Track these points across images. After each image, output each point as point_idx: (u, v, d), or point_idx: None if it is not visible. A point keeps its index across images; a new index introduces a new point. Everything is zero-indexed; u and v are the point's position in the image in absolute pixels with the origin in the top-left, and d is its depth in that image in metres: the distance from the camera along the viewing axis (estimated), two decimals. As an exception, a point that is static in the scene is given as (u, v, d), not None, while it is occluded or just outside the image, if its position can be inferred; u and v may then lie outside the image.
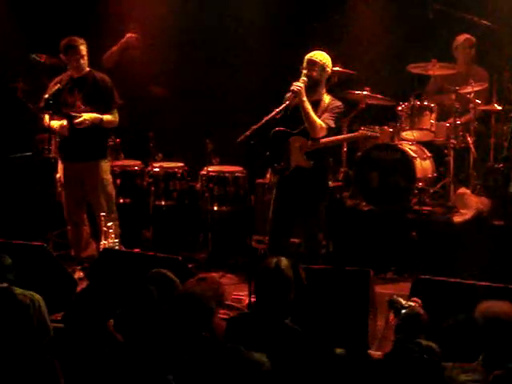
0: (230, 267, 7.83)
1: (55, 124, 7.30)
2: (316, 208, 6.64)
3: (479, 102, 8.21)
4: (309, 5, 9.12)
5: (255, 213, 7.35)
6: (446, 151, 8.22)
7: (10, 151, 8.87)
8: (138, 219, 8.41)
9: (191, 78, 9.38)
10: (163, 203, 8.36)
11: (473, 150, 8.14)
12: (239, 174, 8.22)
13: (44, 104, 7.21)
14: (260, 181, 7.90)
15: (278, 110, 6.50)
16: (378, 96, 8.35)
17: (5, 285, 4.91)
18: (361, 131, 6.87)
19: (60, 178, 7.49)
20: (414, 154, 7.98)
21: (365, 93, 8.25)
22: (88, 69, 7.38)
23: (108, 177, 7.49)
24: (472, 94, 8.16)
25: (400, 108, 8.13)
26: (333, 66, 8.09)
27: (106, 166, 7.48)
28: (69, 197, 7.46)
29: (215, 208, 8.20)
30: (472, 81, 8.16)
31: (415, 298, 4.79)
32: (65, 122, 7.23)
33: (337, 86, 8.21)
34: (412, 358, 3.85)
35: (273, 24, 9.08)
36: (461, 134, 8.16)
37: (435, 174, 8.18)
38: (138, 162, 8.54)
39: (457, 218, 7.79)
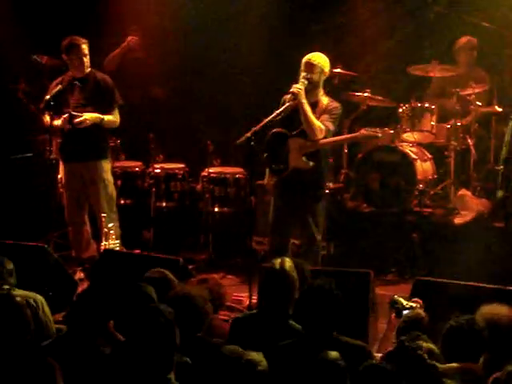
0: (230, 268, 7.83)
1: (55, 122, 7.28)
2: (314, 209, 6.64)
3: (480, 103, 8.22)
4: (310, 7, 9.12)
5: (255, 214, 7.36)
6: (446, 153, 8.22)
7: (10, 152, 8.87)
8: (139, 220, 8.42)
9: (192, 80, 9.38)
10: (164, 204, 8.37)
11: (473, 151, 8.15)
12: (240, 176, 8.23)
13: (45, 105, 7.20)
14: (260, 182, 7.88)
15: (277, 111, 6.51)
16: (379, 98, 8.36)
17: (6, 288, 4.92)
18: (361, 132, 6.87)
19: (61, 178, 7.49)
20: (414, 156, 7.99)
21: (366, 94, 8.25)
22: (89, 69, 7.37)
23: (109, 177, 7.48)
24: (472, 96, 8.17)
25: (401, 110, 8.14)
26: (334, 68, 8.15)
27: (106, 166, 7.47)
28: (70, 197, 7.45)
29: (216, 209, 8.21)
30: (472, 83, 8.16)
31: (416, 299, 4.79)
32: (66, 116, 7.18)
33: (338, 87, 8.23)
34: (412, 360, 3.85)
35: (274, 25, 9.08)
36: (461, 135, 8.16)
37: (436, 176, 8.18)
38: (139, 163, 8.55)
39: (457, 220, 7.80)
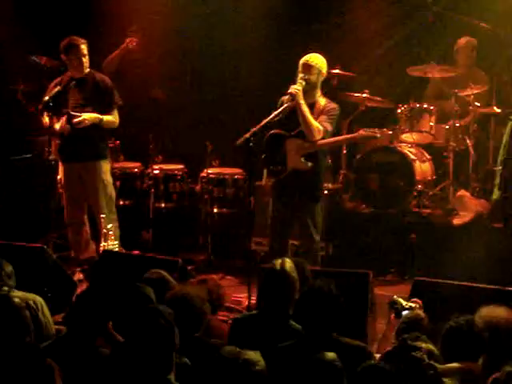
0: (229, 269, 7.84)
1: (57, 126, 7.27)
2: (312, 209, 6.65)
3: (478, 104, 8.23)
4: (309, 7, 9.13)
5: (254, 215, 7.36)
6: (445, 154, 8.23)
7: (10, 153, 8.87)
8: (138, 221, 8.42)
9: (191, 81, 9.39)
10: (163, 205, 8.38)
11: (472, 152, 8.15)
12: (239, 176, 8.24)
13: (44, 105, 7.19)
14: (259, 183, 7.91)
15: (276, 112, 6.52)
16: (378, 98, 8.36)
17: (5, 289, 4.92)
18: (359, 132, 6.88)
19: (60, 179, 7.48)
20: (413, 157, 8.00)
21: (364, 95, 8.26)
22: (88, 69, 7.37)
23: (108, 178, 7.48)
24: (471, 97, 8.17)
25: (399, 110, 8.15)
26: (333, 69, 8.17)
27: (106, 166, 7.47)
28: (69, 198, 7.45)
29: (215, 210, 8.22)
30: (471, 83, 8.17)
31: (415, 299, 4.80)
32: (64, 117, 7.20)
33: (337, 88, 8.24)
34: (411, 360, 3.85)
35: (273, 27, 9.09)
36: (460, 136, 8.17)
37: (434, 177, 8.19)
38: (138, 164, 8.56)
39: (456, 221, 7.80)
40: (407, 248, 7.74)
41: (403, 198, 7.99)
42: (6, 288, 4.94)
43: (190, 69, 9.41)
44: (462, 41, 8.51)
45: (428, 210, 8.01)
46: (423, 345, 3.94)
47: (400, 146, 8.10)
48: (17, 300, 4.33)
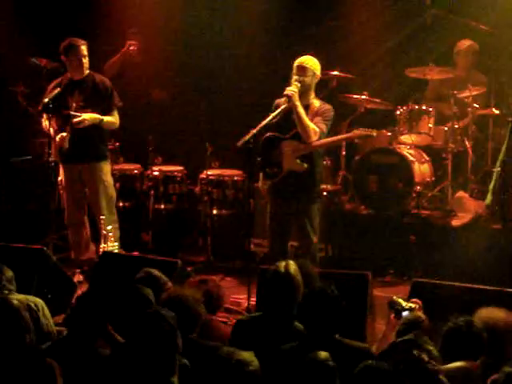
0: (228, 270, 7.85)
1: (56, 138, 7.27)
2: (309, 211, 6.66)
3: (477, 106, 8.24)
4: (307, 9, 9.15)
5: (254, 216, 7.38)
6: (444, 155, 8.24)
7: (10, 155, 8.89)
8: (138, 222, 8.43)
9: (191, 82, 9.41)
10: (162, 207, 8.39)
11: (471, 153, 8.16)
12: (238, 178, 8.25)
13: (43, 107, 7.19)
14: (257, 185, 7.92)
15: (273, 114, 6.55)
16: (377, 100, 8.38)
17: (5, 292, 4.94)
18: (354, 132, 6.90)
19: (61, 180, 7.49)
20: (412, 158, 8.01)
21: (363, 97, 8.27)
22: (88, 71, 7.38)
23: (109, 179, 7.48)
24: (470, 98, 8.19)
25: (398, 112, 8.16)
26: (332, 71, 8.19)
27: (106, 168, 7.47)
28: (69, 199, 7.46)
29: (214, 211, 8.23)
30: (470, 85, 8.19)
31: (415, 299, 4.81)
32: (64, 134, 7.21)
33: (336, 90, 8.26)
34: (411, 361, 3.86)
35: (272, 29, 9.11)
36: (459, 138, 8.18)
37: (433, 178, 8.20)
38: (138, 166, 8.57)
39: (455, 222, 7.81)
40: (406, 249, 7.75)
41: (402, 199, 8.00)
42: (6, 291, 4.97)
43: (190, 70, 9.42)
44: (464, 44, 8.50)
45: (427, 212, 8.02)
46: (423, 345, 3.95)
47: (399, 148, 8.12)
48: (16, 302, 4.34)
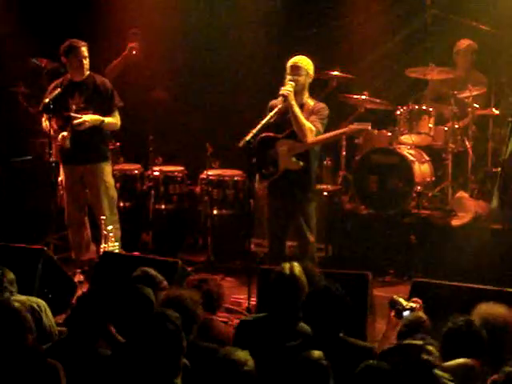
0: (229, 270, 7.86)
1: (58, 137, 7.27)
2: (306, 210, 6.68)
3: (477, 106, 8.25)
4: (308, 10, 9.15)
5: (254, 216, 7.38)
6: (444, 155, 8.25)
7: (10, 155, 8.89)
8: (138, 223, 8.44)
9: (191, 82, 9.41)
10: (163, 207, 8.40)
11: (471, 153, 8.17)
12: (238, 178, 8.26)
13: (44, 107, 7.20)
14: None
15: (271, 113, 6.57)
16: (377, 100, 8.39)
17: (7, 294, 4.95)
18: (349, 126, 6.91)
19: (61, 181, 7.50)
20: (412, 158, 8.01)
21: (363, 97, 8.28)
22: (88, 72, 7.38)
23: (110, 180, 7.48)
24: (470, 99, 8.19)
25: (398, 112, 8.16)
26: (332, 71, 8.21)
27: (107, 168, 7.47)
28: (70, 200, 7.46)
29: (215, 211, 8.23)
30: (470, 85, 8.19)
31: (416, 299, 4.81)
32: (65, 133, 7.21)
33: (336, 90, 8.27)
34: (411, 361, 3.86)
35: (272, 29, 9.12)
36: (459, 138, 8.19)
37: (433, 178, 8.21)
38: (138, 166, 8.58)
39: (455, 222, 7.82)
40: (406, 249, 7.76)
41: (402, 199, 8.00)
42: (7, 293, 4.98)
43: (191, 70, 9.42)
44: (463, 43, 8.52)
45: (427, 211, 8.02)
46: (429, 347, 3.94)
47: (399, 148, 8.12)
48: (17, 304, 4.35)
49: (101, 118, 7.27)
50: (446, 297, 5.30)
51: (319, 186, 7.93)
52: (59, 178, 7.48)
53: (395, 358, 3.81)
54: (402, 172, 7.95)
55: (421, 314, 4.57)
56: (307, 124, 6.54)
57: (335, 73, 8.24)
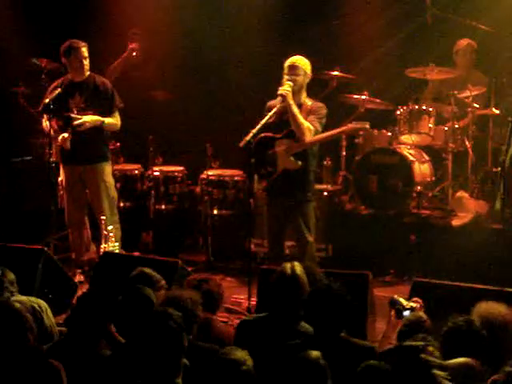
0: (229, 270, 7.86)
1: (58, 138, 7.27)
2: (304, 210, 6.69)
3: (477, 106, 8.25)
4: (308, 10, 9.15)
5: (254, 216, 7.39)
6: (444, 155, 8.25)
7: (10, 155, 8.90)
8: (138, 223, 8.44)
9: (191, 82, 9.41)
10: (163, 207, 8.41)
11: (471, 153, 8.17)
12: (239, 178, 8.26)
13: (44, 108, 7.20)
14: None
15: (270, 113, 6.58)
16: (377, 100, 8.40)
17: (7, 295, 4.96)
18: (348, 125, 6.91)
19: (62, 181, 7.50)
20: (412, 158, 8.02)
21: (363, 97, 8.29)
22: (89, 72, 7.38)
23: (110, 180, 7.48)
24: (470, 99, 8.20)
25: (399, 112, 8.16)
26: (332, 71, 8.21)
27: (108, 169, 7.47)
28: (70, 200, 7.46)
29: (215, 211, 8.24)
30: (470, 85, 8.19)
31: (416, 298, 4.81)
32: (66, 135, 7.22)
33: (336, 90, 8.27)
34: (411, 362, 3.86)
35: (273, 29, 9.11)
36: (459, 137, 8.19)
37: (433, 178, 8.21)
38: (138, 166, 8.58)
39: (455, 222, 7.82)
40: (406, 249, 7.76)
41: (402, 199, 8.00)
42: (8, 294, 4.98)
43: (191, 71, 9.42)
44: (462, 43, 8.53)
45: (427, 211, 8.02)
46: (430, 348, 3.94)
47: (399, 148, 8.12)
48: (17, 304, 4.36)
49: (101, 118, 7.27)
50: (446, 297, 5.30)
51: (319, 186, 7.94)
52: (59, 178, 7.49)
53: (395, 359, 3.82)
54: (401, 172, 7.95)
55: (421, 313, 4.57)
56: (306, 123, 6.55)
57: (335, 73, 8.25)
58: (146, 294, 4.53)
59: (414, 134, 8.15)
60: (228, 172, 8.39)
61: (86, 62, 7.30)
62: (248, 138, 6.36)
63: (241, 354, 3.76)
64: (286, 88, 6.54)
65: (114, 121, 7.39)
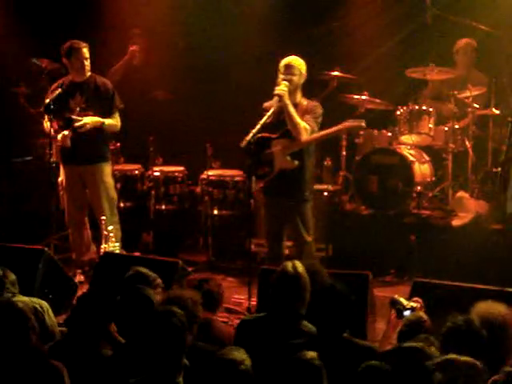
0: (229, 271, 7.86)
1: (58, 136, 7.28)
2: (301, 209, 6.69)
3: (477, 106, 8.25)
4: (307, 10, 9.16)
5: (255, 216, 7.39)
6: (444, 155, 8.25)
7: (11, 155, 8.90)
8: (139, 223, 8.44)
9: (192, 83, 9.42)
10: (163, 207, 8.41)
11: (471, 153, 8.17)
12: (239, 178, 8.26)
13: (44, 108, 7.21)
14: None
15: (268, 113, 6.59)
16: (377, 100, 8.40)
17: (9, 295, 4.96)
18: (344, 124, 6.90)
19: (62, 181, 7.50)
20: (412, 158, 8.02)
21: (363, 97, 8.29)
22: (89, 73, 7.39)
23: (110, 180, 7.49)
24: (470, 99, 8.20)
25: (399, 112, 8.16)
26: (332, 71, 8.21)
27: (107, 169, 7.48)
28: (70, 200, 7.47)
29: (215, 212, 8.24)
30: (470, 85, 8.20)
31: (416, 298, 4.81)
32: (66, 133, 7.22)
33: (336, 90, 8.27)
34: (411, 363, 3.87)
35: (273, 29, 9.11)
36: (459, 138, 8.19)
37: (434, 178, 8.21)
38: (138, 166, 8.58)
39: (455, 222, 7.82)
40: (407, 249, 7.76)
41: (402, 199, 8.01)
42: (9, 294, 4.99)
43: (191, 71, 9.43)
44: (462, 42, 8.53)
45: (427, 212, 8.03)
46: (431, 349, 3.94)
47: (399, 148, 8.13)
48: (20, 304, 4.37)
49: (101, 119, 7.28)
50: (446, 297, 5.30)
51: (319, 186, 7.95)
52: (59, 179, 7.49)
53: (395, 359, 3.82)
54: (402, 172, 7.95)
55: (421, 313, 4.57)
56: (302, 123, 6.56)
57: (335, 73, 8.25)
58: (146, 294, 4.53)
59: (414, 135, 8.15)
60: (228, 172, 8.39)
61: (87, 63, 7.30)
62: (248, 137, 6.38)
63: (239, 354, 3.77)
64: (282, 88, 6.56)
65: (114, 122, 7.40)
